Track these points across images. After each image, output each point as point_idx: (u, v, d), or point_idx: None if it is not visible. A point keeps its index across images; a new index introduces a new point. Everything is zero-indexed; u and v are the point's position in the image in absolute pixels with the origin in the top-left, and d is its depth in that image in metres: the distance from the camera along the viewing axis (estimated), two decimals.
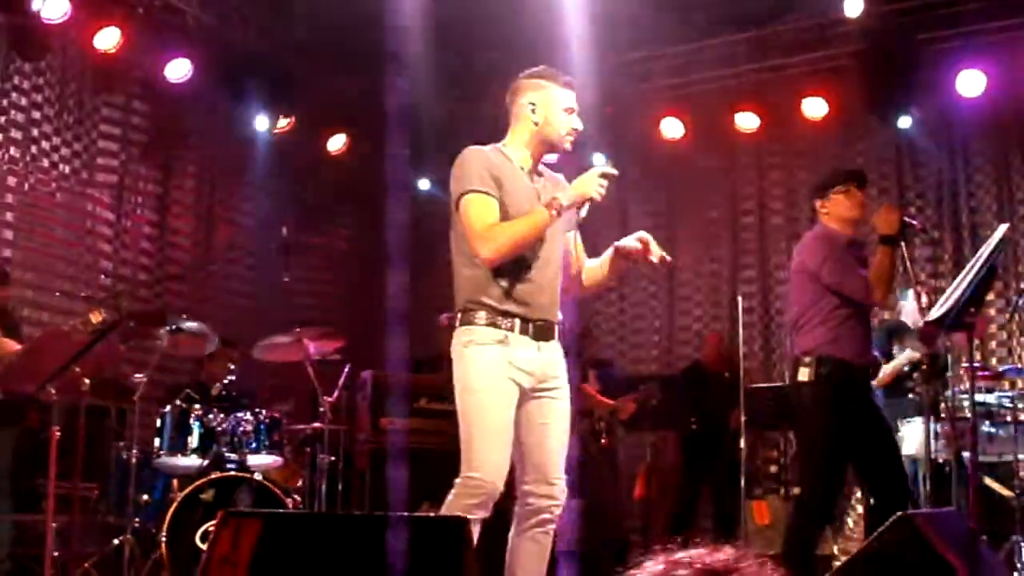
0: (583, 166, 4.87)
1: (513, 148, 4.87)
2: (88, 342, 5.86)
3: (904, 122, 9.92)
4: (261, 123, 10.23)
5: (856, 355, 6.03)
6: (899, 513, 4.36)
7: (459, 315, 4.76)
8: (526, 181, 4.82)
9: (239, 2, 9.90)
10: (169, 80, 9.42)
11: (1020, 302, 8.13)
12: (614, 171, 4.75)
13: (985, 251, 5.18)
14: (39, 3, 8.40)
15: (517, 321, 4.66)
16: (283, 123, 10.34)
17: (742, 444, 8.22)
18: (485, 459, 4.54)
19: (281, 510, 7.34)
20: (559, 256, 4.87)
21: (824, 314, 6.08)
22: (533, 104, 4.85)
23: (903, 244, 6.22)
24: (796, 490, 9.12)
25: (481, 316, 4.67)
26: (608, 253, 5.00)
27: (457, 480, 4.56)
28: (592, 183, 4.69)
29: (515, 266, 4.68)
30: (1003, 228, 5.17)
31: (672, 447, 10.18)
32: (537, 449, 4.70)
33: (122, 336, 6.23)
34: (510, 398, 4.62)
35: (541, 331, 4.71)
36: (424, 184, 11.68)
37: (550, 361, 4.75)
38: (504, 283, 4.67)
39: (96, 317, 5.86)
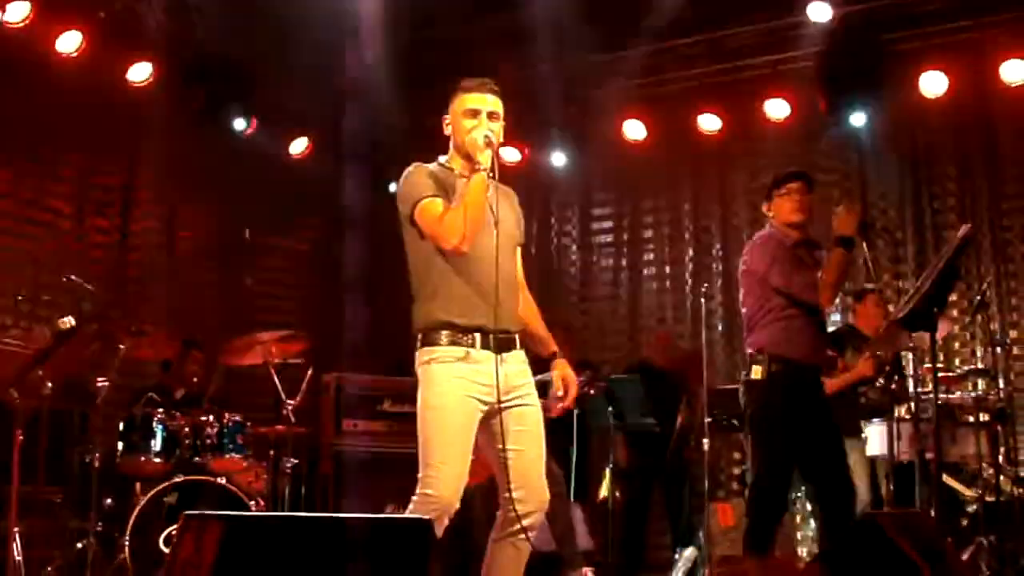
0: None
1: (454, 162, 4.90)
2: (51, 346, 5.83)
3: (866, 122, 9.96)
4: (223, 126, 10.19)
5: (807, 354, 6.08)
6: (866, 512, 4.39)
7: (420, 335, 4.77)
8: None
9: (201, 5, 9.85)
10: (131, 83, 9.38)
11: (984, 301, 8.16)
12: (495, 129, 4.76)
13: (948, 252, 5.23)
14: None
15: (477, 336, 4.68)
16: (245, 126, 10.31)
17: (705, 446, 8.24)
18: (440, 476, 4.56)
19: (244, 513, 7.31)
20: (512, 268, 4.88)
21: (774, 314, 6.13)
22: (447, 116, 4.91)
23: (865, 244, 6.26)
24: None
25: (441, 335, 4.69)
26: (545, 350, 5.03)
27: (414, 495, 4.58)
28: (480, 131, 4.70)
29: (470, 283, 4.69)
30: (965, 228, 5.22)
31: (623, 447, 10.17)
32: (516, 456, 4.71)
33: (85, 340, 6.18)
34: (469, 415, 4.63)
35: (502, 343, 4.73)
36: (390, 187, 11.66)
37: (514, 372, 4.76)
38: (460, 301, 4.69)
39: (64, 325, 5.83)
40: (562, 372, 4.92)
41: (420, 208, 4.70)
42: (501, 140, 4.90)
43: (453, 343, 4.67)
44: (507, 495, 4.70)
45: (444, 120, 4.95)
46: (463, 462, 4.60)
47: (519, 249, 5.04)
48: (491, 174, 4.69)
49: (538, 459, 4.76)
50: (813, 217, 6.35)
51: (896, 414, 7.42)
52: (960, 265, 5.25)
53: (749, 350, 6.20)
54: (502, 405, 4.71)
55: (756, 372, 6.08)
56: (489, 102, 4.83)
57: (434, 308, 4.74)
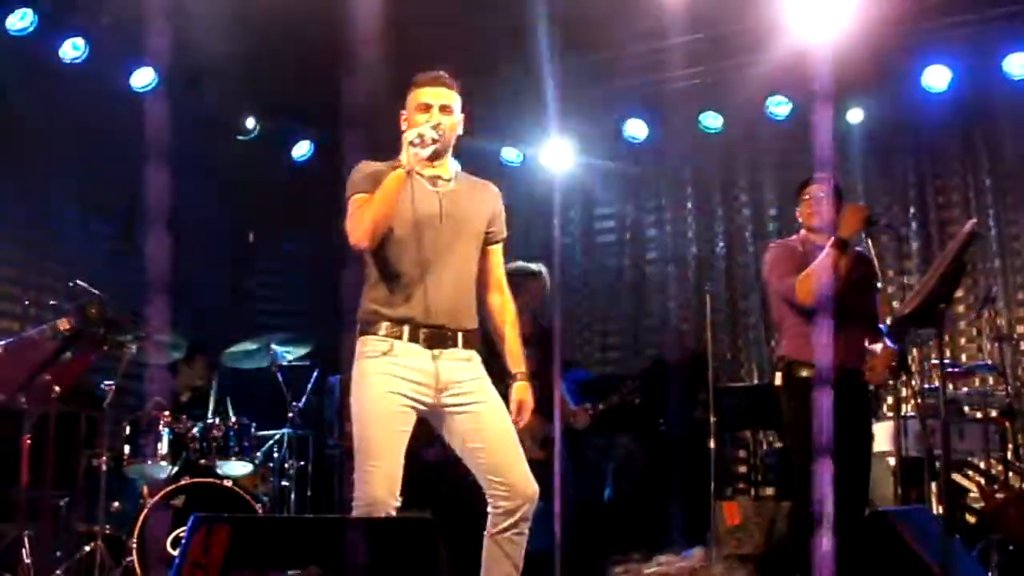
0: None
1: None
2: (57, 350, 5.84)
3: (868, 118, 9.95)
4: (226, 130, 10.20)
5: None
6: (875, 510, 4.39)
7: (358, 325, 4.81)
8: (423, 186, 4.81)
9: (204, 11, 9.86)
10: (134, 88, 9.40)
11: (991, 294, 8.16)
12: (434, 121, 4.73)
13: (953, 248, 5.22)
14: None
15: (406, 328, 4.68)
16: (248, 129, 10.32)
17: (711, 445, 8.23)
18: (370, 478, 4.56)
19: (251, 515, 7.33)
20: (461, 265, 4.85)
21: (791, 320, 6.14)
22: (403, 112, 4.94)
23: (869, 241, 6.25)
24: (770, 490, 9.18)
25: (371, 326, 4.73)
26: (511, 366, 4.99)
27: (354, 500, 4.60)
28: (414, 130, 4.67)
29: (403, 275, 4.70)
30: (971, 224, 5.21)
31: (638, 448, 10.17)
32: (485, 455, 4.71)
33: (91, 344, 6.19)
34: (395, 411, 4.62)
35: (435, 338, 4.71)
36: None
37: (450, 368, 4.73)
38: (394, 292, 4.71)
39: (64, 325, 5.83)
40: (520, 395, 4.88)
41: (350, 203, 4.77)
42: (459, 132, 4.94)
43: (380, 334, 4.68)
44: (490, 492, 4.70)
45: (402, 116, 4.96)
46: (394, 461, 4.58)
47: (496, 246, 5.02)
48: (419, 158, 4.65)
49: (508, 451, 4.72)
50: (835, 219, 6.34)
51: (903, 411, 7.41)
52: (966, 261, 5.24)
53: (775, 356, 6.26)
54: (448, 404, 4.72)
55: (777, 379, 6.12)
56: (442, 95, 4.86)
57: (368, 299, 4.78)
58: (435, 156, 4.80)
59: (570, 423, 7.76)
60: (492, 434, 4.73)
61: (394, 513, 4.52)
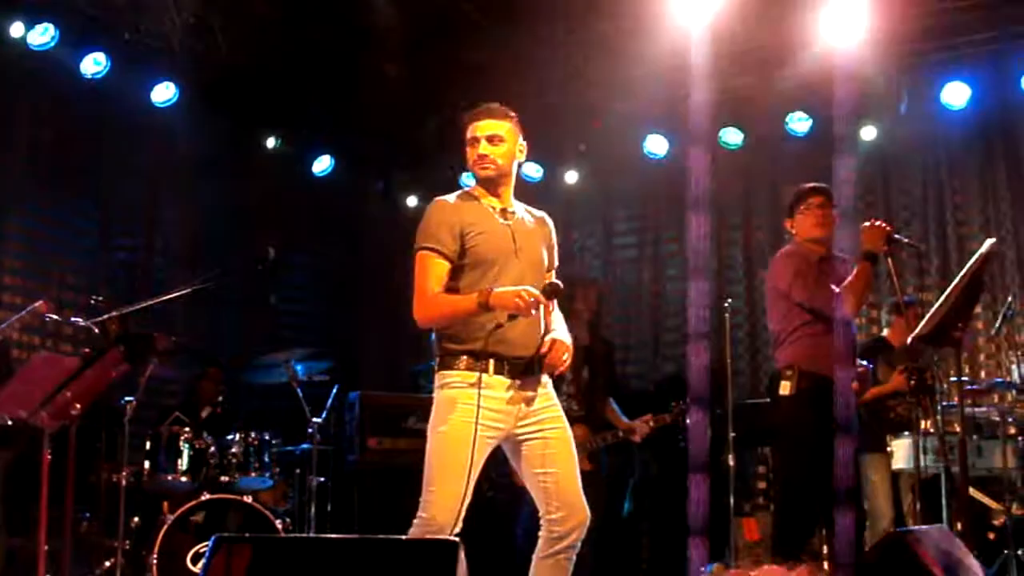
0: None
1: (479, 191, 4.98)
2: (79, 366, 5.87)
3: (887, 135, 9.95)
4: (247, 144, 10.25)
5: (831, 370, 6.06)
6: (892, 531, 4.38)
7: (437, 358, 4.85)
8: (498, 220, 4.89)
9: (225, 25, 9.92)
10: (155, 104, 9.46)
11: (1009, 314, 8.14)
12: (542, 295, 4.68)
13: (972, 266, 5.22)
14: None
15: (492, 362, 4.73)
16: (269, 144, 10.36)
17: (731, 461, 8.23)
18: (438, 500, 4.62)
19: (272, 534, 7.35)
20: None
21: (800, 330, 6.14)
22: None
23: (890, 259, 6.25)
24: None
25: (455, 359, 4.76)
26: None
27: (415, 518, 4.65)
28: (517, 297, 4.60)
29: (488, 312, 4.71)
30: (989, 243, 5.20)
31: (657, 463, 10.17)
32: (550, 480, 4.78)
33: (112, 360, 6.21)
34: (475, 442, 4.64)
35: (518, 368, 4.78)
36: (411, 201, 11.72)
37: (530, 396, 4.80)
38: (475, 327, 4.73)
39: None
40: (555, 338, 4.88)
41: (419, 257, 4.83)
42: (520, 160, 5.03)
43: (467, 368, 4.73)
44: (548, 516, 4.77)
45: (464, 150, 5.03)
46: (462, 486, 4.61)
47: (553, 273, 5.09)
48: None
49: (571, 478, 4.80)
50: (834, 232, 6.35)
51: (922, 428, 7.39)
52: (984, 280, 5.23)
53: (777, 366, 6.20)
54: (523, 431, 4.80)
55: (784, 387, 6.09)
56: (490, 127, 4.92)
57: (450, 334, 4.81)
58: (497, 186, 4.94)
59: (626, 437, 7.79)
60: (559, 460, 4.80)
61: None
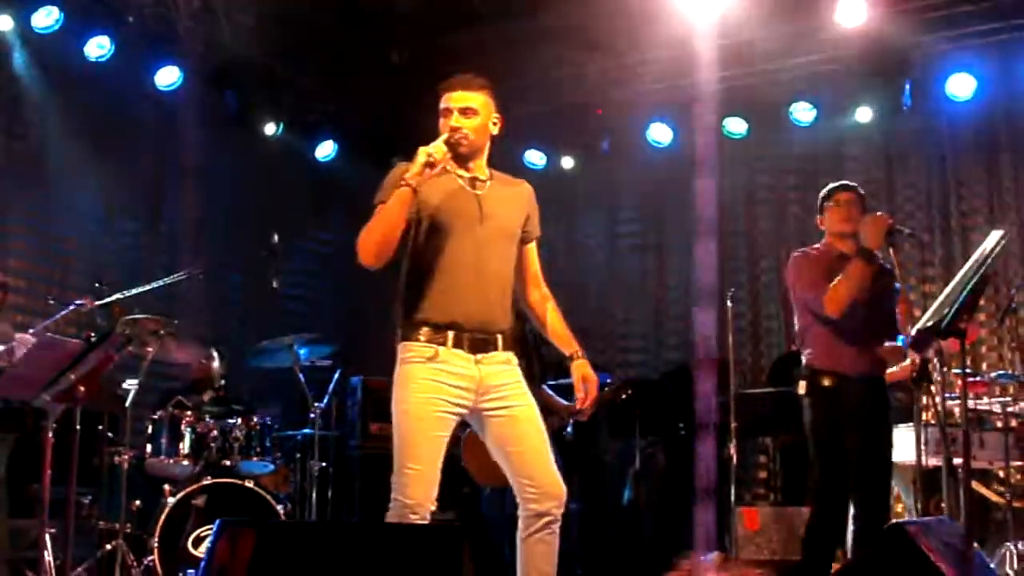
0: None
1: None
2: (82, 350, 5.88)
3: (892, 126, 9.94)
4: (250, 129, 10.24)
5: (849, 366, 6.06)
6: (893, 522, 4.38)
7: (398, 330, 4.79)
8: (462, 187, 4.82)
9: (229, 9, 9.91)
10: (159, 88, 9.44)
11: (1012, 306, 8.14)
12: (450, 137, 4.71)
13: (977, 257, 5.20)
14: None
15: (450, 334, 4.68)
16: (272, 129, 10.35)
17: (732, 450, 8.23)
18: (409, 481, 4.58)
19: (274, 519, 7.36)
20: (501, 266, 4.86)
21: (816, 328, 6.15)
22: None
23: (892, 250, 6.24)
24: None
25: (414, 332, 4.71)
26: (565, 349, 5.00)
27: (391, 501, 4.62)
28: (426, 148, 4.63)
29: (445, 279, 4.70)
30: (996, 235, 5.18)
31: (660, 452, 10.18)
32: (520, 459, 4.73)
33: (114, 343, 6.23)
34: (438, 418, 4.63)
35: (478, 343, 4.73)
36: None
37: (492, 372, 4.75)
38: (434, 296, 4.69)
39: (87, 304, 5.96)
40: (581, 371, 4.88)
41: (374, 211, 4.75)
42: (492, 132, 4.93)
43: (425, 340, 4.67)
44: (523, 495, 4.73)
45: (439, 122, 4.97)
46: (433, 465, 4.60)
47: (532, 244, 5.03)
48: (425, 174, 4.63)
49: (540, 453, 4.75)
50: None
51: (923, 419, 7.39)
52: (989, 272, 5.22)
53: (803, 363, 6.25)
54: (488, 408, 4.74)
55: (801, 387, 6.12)
56: (464, 98, 4.84)
57: (411, 305, 4.75)
58: (468, 158, 4.85)
59: (573, 418, 7.77)
60: (527, 437, 4.75)
61: (429, 517, 4.56)
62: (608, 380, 8.08)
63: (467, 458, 7.63)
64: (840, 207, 6.30)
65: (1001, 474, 8.09)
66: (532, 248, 5.05)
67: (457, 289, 4.68)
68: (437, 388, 4.63)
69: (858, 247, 5.98)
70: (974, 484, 7.70)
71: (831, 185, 6.49)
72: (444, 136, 4.73)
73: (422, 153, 4.61)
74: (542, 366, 8.00)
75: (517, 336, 5.05)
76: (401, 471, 4.60)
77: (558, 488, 4.74)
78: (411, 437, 4.61)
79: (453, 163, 4.80)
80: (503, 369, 4.79)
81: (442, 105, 4.87)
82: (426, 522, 4.52)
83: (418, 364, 4.66)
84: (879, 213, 6.18)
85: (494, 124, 4.94)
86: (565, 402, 7.84)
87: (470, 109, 4.83)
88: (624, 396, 8.97)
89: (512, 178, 5.06)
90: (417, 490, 4.55)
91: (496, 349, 4.78)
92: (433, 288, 4.69)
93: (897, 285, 6.74)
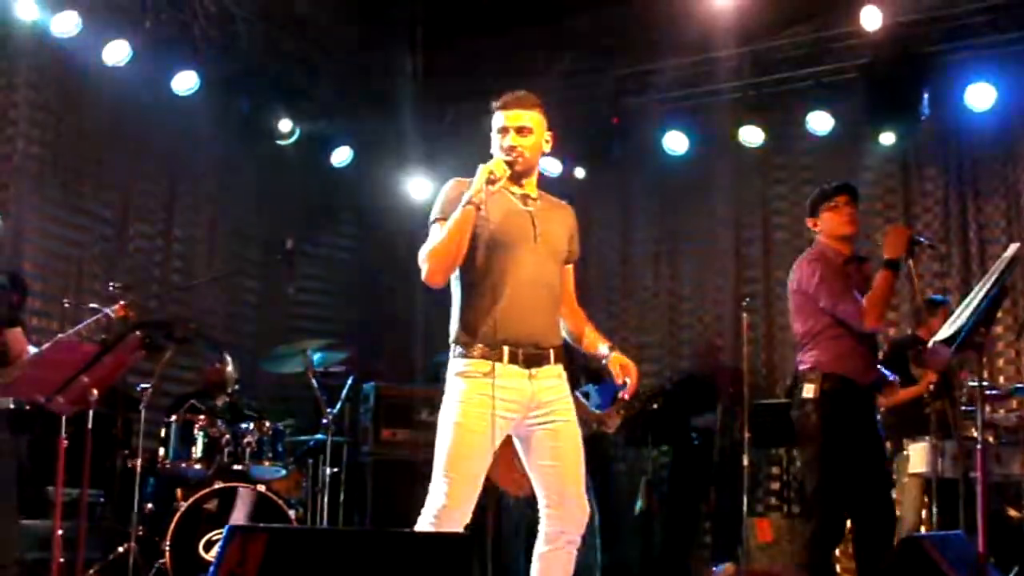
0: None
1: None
2: (97, 352, 5.88)
3: (911, 135, 9.90)
4: (266, 135, 10.24)
5: (859, 373, 6.03)
6: (909, 535, 4.36)
7: (452, 345, 4.81)
8: (516, 205, 4.85)
9: (246, 15, 9.93)
10: (176, 93, 9.45)
11: None
12: (510, 157, 4.74)
13: (996, 270, 5.18)
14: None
15: (506, 350, 4.70)
16: (287, 134, 10.35)
17: (745, 461, 8.21)
18: (451, 492, 4.59)
19: (285, 524, 7.36)
20: (552, 283, 4.89)
21: (825, 333, 6.10)
22: (489, 131, 4.93)
23: (911, 260, 6.21)
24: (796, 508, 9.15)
25: (469, 347, 4.72)
26: (598, 347, 5.02)
27: (426, 507, 4.62)
28: (487, 165, 4.67)
29: (502, 295, 4.71)
30: (1014, 247, 5.16)
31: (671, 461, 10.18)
32: (553, 473, 4.74)
33: (128, 346, 6.23)
34: (486, 432, 4.63)
35: (532, 358, 4.75)
36: (429, 193, 11.71)
37: (543, 387, 4.77)
38: (491, 312, 4.70)
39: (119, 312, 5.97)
40: (620, 360, 4.89)
41: (432, 228, 4.79)
42: (544, 150, 4.97)
43: (481, 357, 4.69)
44: (548, 510, 4.75)
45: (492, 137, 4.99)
46: (474, 476, 4.63)
47: (571, 266, 5.06)
48: (489, 192, 4.65)
49: (574, 474, 4.77)
50: (859, 231, 6.33)
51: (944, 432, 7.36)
52: (1007, 285, 5.20)
53: (802, 368, 6.17)
54: (534, 421, 4.76)
55: (808, 391, 6.05)
56: (521, 117, 4.86)
57: (465, 321, 4.78)
58: (521, 176, 4.86)
59: (600, 429, 7.73)
60: (565, 455, 4.77)
61: (462, 528, 4.57)
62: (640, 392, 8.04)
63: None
64: (841, 209, 6.23)
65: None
66: (570, 269, 5.08)
67: (513, 306, 4.71)
68: (490, 402, 4.64)
69: (885, 259, 5.94)
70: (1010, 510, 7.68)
71: (826, 187, 6.38)
72: (505, 156, 4.77)
73: (484, 171, 4.64)
74: (575, 375, 8.01)
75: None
76: (441, 479, 4.61)
77: (583, 511, 4.76)
78: (460, 450, 4.63)
79: (507, 181, 4.81)
80: (554, 384, 4.82)
81: (498, 124, 4.89)
82: (460, 531, 4.51)
83: (474, 379, 4.68)
84: (900, 224, 6.15)
85: (547, 142, 4.98)
86: (597, 411, 7.82)
87: (525, 128, 4.86)
88: (656, 405, 8.95)
89: (556, 199, 5.10)
90: (455, 499, 4.58)
91: (549, 363, 4.81)
92: (489, 304, 4.72)
93: (937, 297, 6.74)
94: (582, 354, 5.33)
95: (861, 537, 6.06)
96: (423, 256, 4.71)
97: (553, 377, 4.82)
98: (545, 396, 4.77)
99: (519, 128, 4.84)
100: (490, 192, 4.63)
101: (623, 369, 4.88)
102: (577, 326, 5.07)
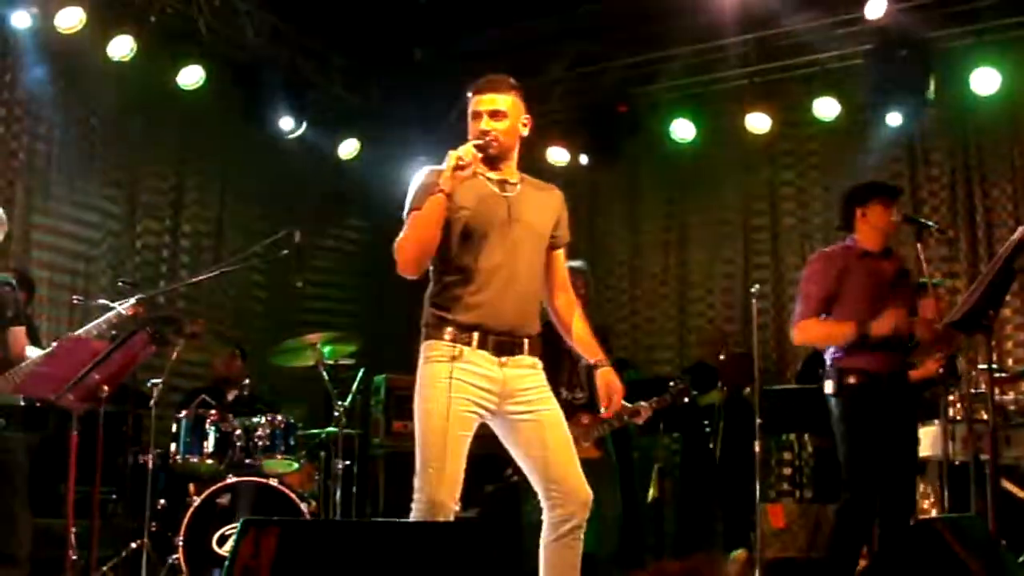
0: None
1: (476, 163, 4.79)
2: (107, 349, 5.90)
3: (917, 120, 9.88)
4: (273, 128, 10.23)
5: (877, 364, 6.04)
6: (921, 518, 4.36)
7: (423, 328, 4.76)
8: (491, 190, 4.77)
9: (250, 7, 9.94)
10: (182, 86, 9.45)
11: None
12: (480, 141, 4.67)
13: (1003, 253, 5.18)
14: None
15: (475, 335, 4.65)
16: (295, 128, 10.34)
17: (756, 447, 8.19)
18: (433, 480, 4.54)
19: (298, 517, 7.37)
20: (529, 270, 4.82)
21: None
22: (465, 115, 4.90)
23: (919, 244, 6.24)
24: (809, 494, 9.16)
25: (438, 331, 4.68)
26: (590, 356, 4.97)
27: (413, 501, 4.59)
28: (455, 152, 4.60)
29: (473, 281, 4.66)
30: (1022, 230, 5.16)
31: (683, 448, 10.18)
32: (545, 463, 4.70)
33: (138, 343, 6.24)
34: (461, 415, 4.59)
35: (504, 346, 4.70)
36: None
37: (515, 375, 4.72)
38: (462, 297, 4.66)
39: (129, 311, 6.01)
40: (606, 379, 4.85)
41: (405, 220, 4.71)
42: (522, 134, 4.87)
43: (449, 339, 4.64)
44: (548, 500, 4.71)
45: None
46: (456, 464, 4.57)
47: (560, 251, 5.00)
48: (458, 179, 4.59)
49: (567, 458, 4.72)
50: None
51: (950, 415, 7.35)
52: (1016, 267, 5.19)
53: (826, 362, 6.22)
54: (515, 413, 4.72)
55: (828, 387, 6.10)
56: (494, 101, 4.78)
57: (434, 303, 4.74)
58: (498, 160, 4.80)
59: (631, 420, 7.72)
60: (552, 442, 4.72)
61: (452, 516, 4.54)
62: (671, 383, 8.02)
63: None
64: (889, 212, 6.26)
65: None
66: (560, 254, 5.01)
67: (484, 291, 4.66)
68: (460, 387, 4.60)
69: (863, 331, 5.97)
70: (1004, 483, 7.67)
71: (881, 183, 6.49)
72: (475, 140, 4.70)
73: (452, 157, 4.58)
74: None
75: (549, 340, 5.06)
76: (424, 470, 4.57)
77: (584, 493, 4.71)
78: (434, 436, 4.58)
79: (483, 166, 4.75)
80: (528, 373, 4.76)
81: (471, 108, 4.83)
82: (464, 519, 4.50)
83: (442, 363, 4.62)
84: (901, 309, 6.12)
85: (524, 125, 4.88)
86: (628, 404, 7.82)
87: (499, 112, 4.78)
88: (687, 399, 8.94)
89: (543, 182, 5.03)
90: (441, 490, 4.53)
91: (522, 352, 4.75)
92: (460, 289, 4.67)
93: (924, 280, 6.74)
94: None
95: (882, 522, 6.09)
96: (397, 248, 4.65)
97: (526, 367, 4.76)
98: (519, 384, 4.71)
99: (492, 112, 4.76)
100: (460, 178, 4.58)
101: (609, 388, 4.84)
102: (569, 320, 5.01)
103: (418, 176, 4.80)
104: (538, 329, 4.86)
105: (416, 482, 4.59)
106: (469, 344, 4.64)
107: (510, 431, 4.77)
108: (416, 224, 4.62)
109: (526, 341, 4.77)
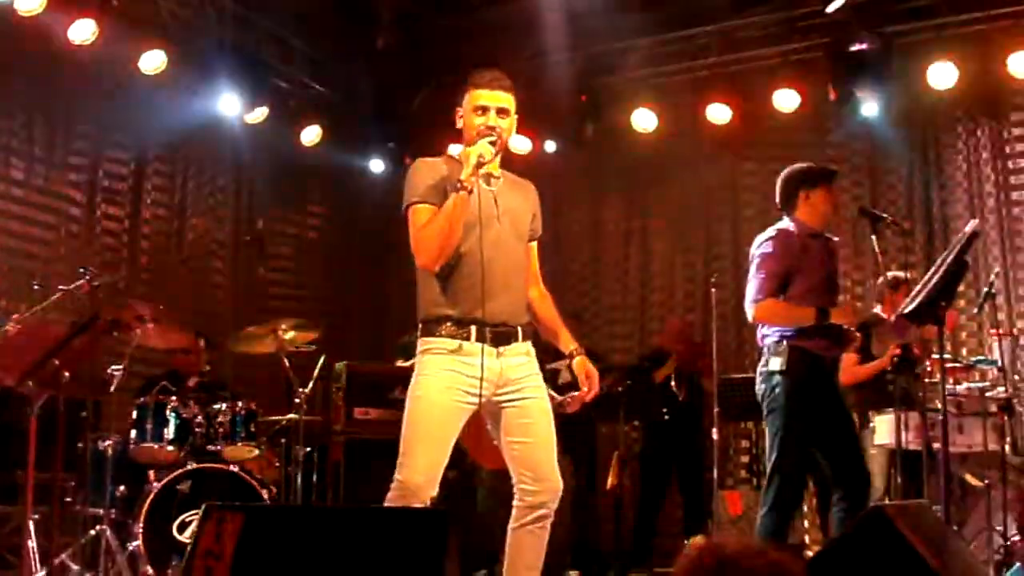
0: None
1: (464, 155, 4.88)
2: (66, 335, 5.89)
3: (875, 113, 9.95)
4: (235, 114, 10.18)
5: (824, 347, 6.14)
6: (872, 505, 4.43)
7: (420, 323, 4.86)
8: (481, 185, 4.81)
9: None
10: (143, 72, 9.39)
11: (991, 292, 8.20)
12: (492, 137, 4.77)
13: (956, 246, 5.26)
14: None
15: (473, 329, 4.74)
16: (257, 114, 10.30)
17: (714, 435, 8.26)
18: (413, 464, 4.64)
19: (259, 503, 7.38)
20: (517, 261, 4.93)
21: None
22: (459, 109, 4.96)
23: (874, 236, 6.33)
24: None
25: (437, 326, 4.77)
26: (564, 346, 5.07)
27: (392, 482, 4.67)
28: (475, 148, 4.70)
29: (467, 274, 4.75)
30: (973, 224, 5.25)
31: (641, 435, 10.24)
32: (524, 449, 4.80)
33: (98, 328, 6.24)
34: (452, 408, 4.70)
35: (500, 336, 4.79)
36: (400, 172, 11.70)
37: (511, 365, 4.82)
38: (457, 293, 4.75)
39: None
40: (584, 368, 4.96)
41: (410, 212, 4.81)
42: (512, 134, 5.01)
43: (449, 335, 4.74)
44: (521, 485, 4.79)
45: (457, 112, 4.99)
46: (439, 452, 4.67)
47: (534, 244, 5.10)
48: (479, 176, 4.70)
49: (547, 448, 4.82)
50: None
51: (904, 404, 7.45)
52: (968, 259, 5.28)
53: (768, 341, 6.26)
54: (503, 399, 4.81)
55: (776, 364, 6.16)
56: (500, 99, 4.89)
57: (433, 300, 4.81)
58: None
59: (560, 410, 7.77)
60: (535, 429, 4.82)
61: (429, 502, 4.61)
62: (610, 371, 8.10)
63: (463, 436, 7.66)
64: (831, 196, 6.39)
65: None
66: (534, 247, 5.13)
67: (479, 284, 4.72)
68: (457, 379, 4.70)
69: (821, 315, 6.07)
70: (962, 471, 7.79)
71: (825, 167, 6.59)
72: (489, 137, 4.78)
73: (473, 154, 4.67)
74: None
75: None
76: (408, 453, 4.66)
77: (557, 484, 4.81)
78: (423, 422, 4.69)
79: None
80: (522, 361, 4.87)
81: (476, 101, 4.89)
82: (425, 506, 4.55)
83: (440, 355, 4.73)
84: (851, 306, 6.26)
85: (515, 123, 5.01)
86: (558, 396, 7.85)
87: (505, 110, 4.89)
88: (620, 388, 9.02)
89: (518, 177, 5.14)
90: (420, 474, 4.63)
91: (517, 340, 4.86)
92: (455, 284, 4.77)
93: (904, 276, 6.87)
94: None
95: (846, 498, 6.17)
96: (418, 244, 4.74)
97: (521, 355, 4.87)
98: (513, 373, 4.82)
99: (500, 109, 4.87)
100: (479, 175, 4.68)
101: (587, 377, 4.95)
102: (544, 310, 5.11)
103: (416, 169, 4.88)
104: (528, 318, 4.97)
105: (400, 464, 4.68)
106: (468, 338, 4.74)
107: (497, 417, 4.86)
108: (440, 221, 4.69)
109: (519, 329, 4.88)
